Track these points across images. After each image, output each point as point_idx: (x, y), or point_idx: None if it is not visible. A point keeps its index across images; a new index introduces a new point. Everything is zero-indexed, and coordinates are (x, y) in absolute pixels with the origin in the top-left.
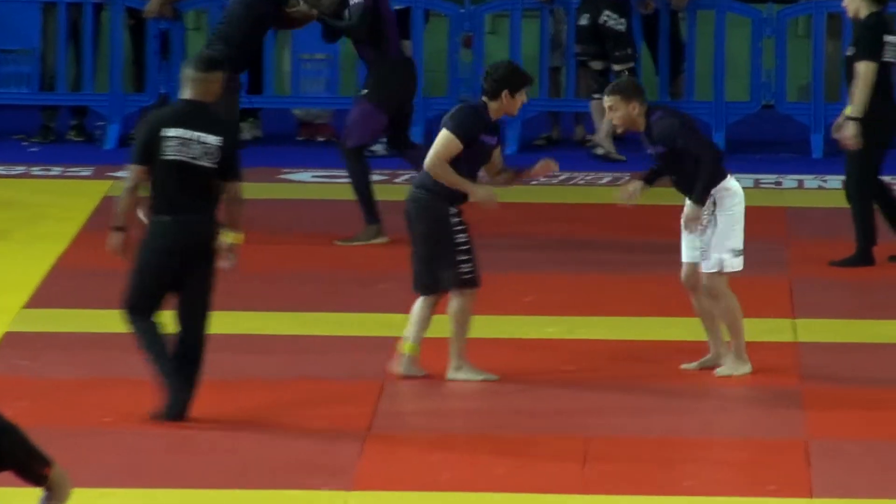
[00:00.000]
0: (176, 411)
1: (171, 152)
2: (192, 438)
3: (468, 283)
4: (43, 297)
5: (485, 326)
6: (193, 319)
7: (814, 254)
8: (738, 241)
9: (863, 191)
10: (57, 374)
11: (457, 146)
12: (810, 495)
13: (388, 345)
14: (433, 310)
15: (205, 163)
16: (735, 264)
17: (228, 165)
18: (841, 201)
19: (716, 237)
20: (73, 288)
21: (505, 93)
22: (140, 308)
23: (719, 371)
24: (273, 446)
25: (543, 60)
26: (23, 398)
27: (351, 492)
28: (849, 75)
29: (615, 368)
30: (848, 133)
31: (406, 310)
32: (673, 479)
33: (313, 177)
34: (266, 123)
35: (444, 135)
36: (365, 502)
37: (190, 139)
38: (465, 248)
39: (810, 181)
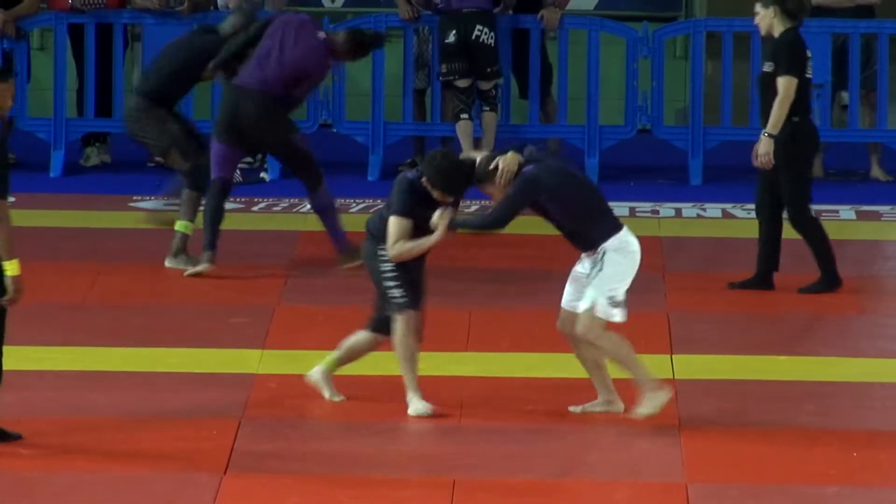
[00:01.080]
0: None
1: None
2: (39, 481)
3: (402, 306)
4: None
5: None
6: None
7: (692, 286)
8: (618, 292)
9: (807, 214)
10: None
11: (405, 225)
12: None
13: (242, 381)
14: (371, 347)
15: None
16: (609, 312)
17: None
18: (720, 230)
19: (597, 280)
20: None
21: (426, 179)
22: None
23: (640, 412)
24: (125, 488)
25: (408, 82)
26: None
27: None
28: (764, 93)
29: (486, 407)
30: (761, 150)
31: (260, 345)
32: None
33: (165, 205)
34: (115, 148)
35: (390, 221)
36: None
37: None
38: (391, 274)
39: (688, 209)
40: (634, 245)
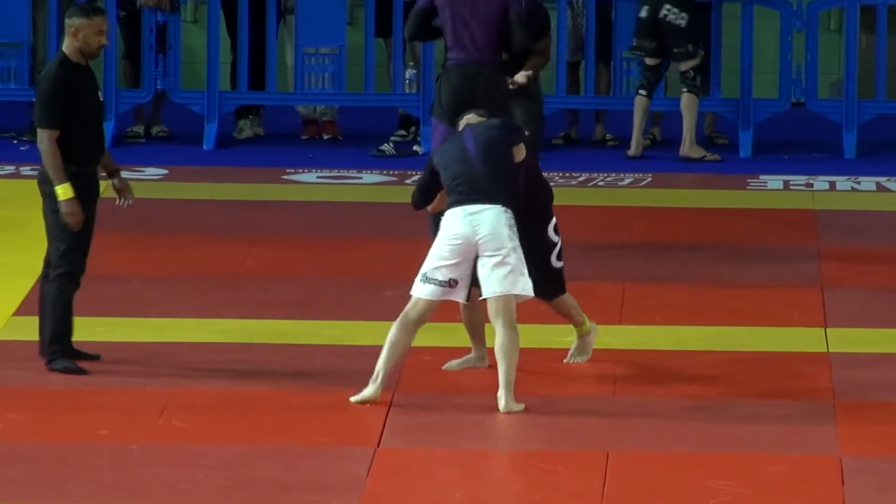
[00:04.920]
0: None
1: None
2: (195, 453)
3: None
4: (33, 304)
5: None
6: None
7: (846, 259)
8: (429, 268)
9: None
10: (49, 385)
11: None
12: None
13: None
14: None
15: None
16: (417, 288)
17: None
18: (874, 204)
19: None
20: None
21: None
22: None
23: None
24: (279, 461)
25: (560, 55)
26: (14, 410)
27: None
28: None
29: (639, 380)
30: None
31: None
32: (699, 497)
33: (318, 178)
34: (268, 121)
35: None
36: None
37: None
38: None
39: (842, 182)
40: (447, 225)
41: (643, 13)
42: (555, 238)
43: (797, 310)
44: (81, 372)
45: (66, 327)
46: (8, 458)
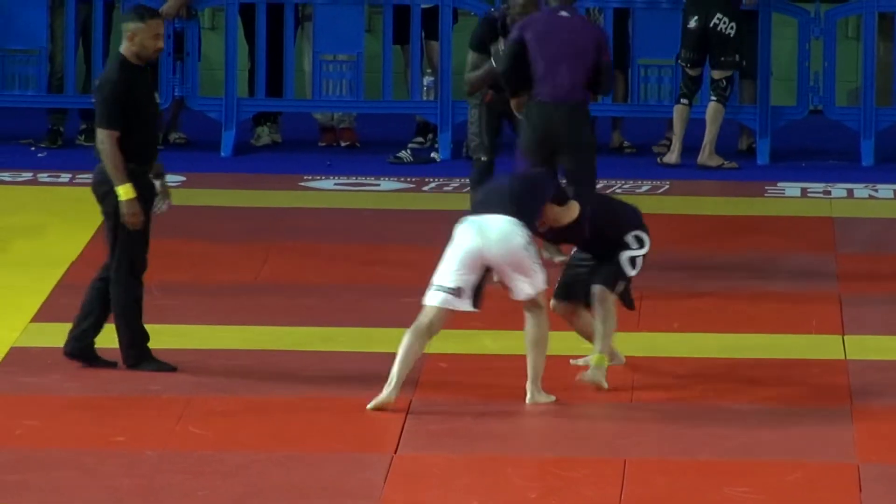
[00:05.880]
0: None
1: None
2: (212, 459)
3: None
4: (51, 311)
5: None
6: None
7: (864, 266)
8: (438, 279)
9: None
10: (65, 392)
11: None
12: None
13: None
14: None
15: None
16: (428, 295)
17: None
18: (892, 211)
19: None
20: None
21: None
22: None
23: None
24: (296, 468)
25: None
26: (31, 417)
27: None
28: None
29: (656, 387)
30: None
31: None
32: None
33: (336, 184)
34: (286, 128)
35: None
36: None
37: None
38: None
39: (860, 190)
40: (458, 235)
41: (692, 23)
42: (633, 244)
43: (814, 317)
44: (171, 369)
45: (138, 328)
46: (25, 464)
